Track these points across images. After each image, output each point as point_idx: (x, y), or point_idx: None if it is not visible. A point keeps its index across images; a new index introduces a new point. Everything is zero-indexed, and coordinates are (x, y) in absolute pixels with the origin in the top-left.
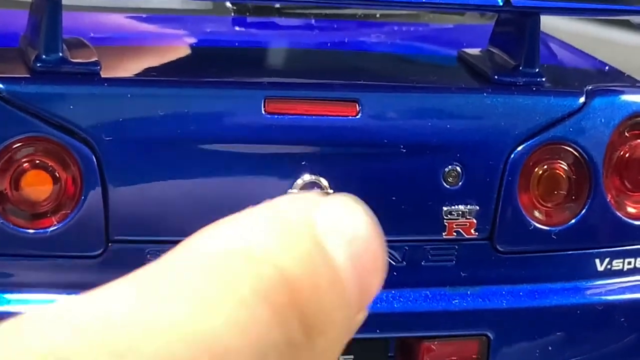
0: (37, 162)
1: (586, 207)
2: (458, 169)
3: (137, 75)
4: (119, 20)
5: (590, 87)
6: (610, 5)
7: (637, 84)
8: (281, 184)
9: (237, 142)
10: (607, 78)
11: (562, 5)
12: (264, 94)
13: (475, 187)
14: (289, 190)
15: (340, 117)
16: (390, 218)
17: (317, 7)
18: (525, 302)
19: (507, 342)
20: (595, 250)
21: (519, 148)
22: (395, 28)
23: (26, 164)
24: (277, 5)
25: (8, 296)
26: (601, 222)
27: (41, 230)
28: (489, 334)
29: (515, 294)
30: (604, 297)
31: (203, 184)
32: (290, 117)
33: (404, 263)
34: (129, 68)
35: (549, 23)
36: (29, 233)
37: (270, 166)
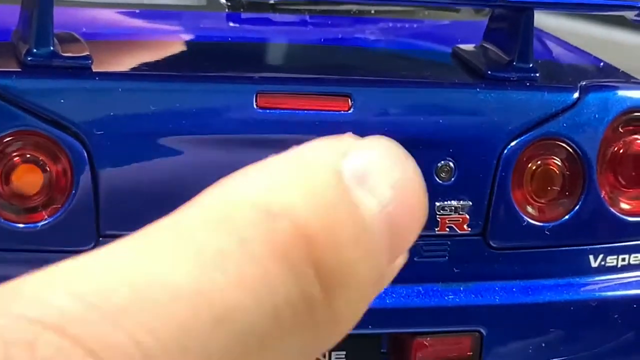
0: (28, 156)
1: (580, 203)
2: (451, 164)
3: (128, 69)
4: (112, 15)
5: (584, 83)
6: (603, 0)
7: (632, 80)
8: None
9: (229, 137)
10: (601, 74)
11: (555, 1)
12: (256, 89)
13: (468, 183)
14: None
15: (333, 112)
16: None
17: (312, 3)
18: (518, 298)
19: (500, 339)
20: (589, 247)
21: (513, 143)
22: (390, 24)
23: (17, 158)
24: (272, 2)
25: None
26: (595, 218)
27: (31, 225)
28: (482, 330)
29: (508, 290)
30: (597, 294)
31: (194, 178)
32: (283, 111)
33: None
34: (121, 62)
35: (550, 23)
36: (19, 227)
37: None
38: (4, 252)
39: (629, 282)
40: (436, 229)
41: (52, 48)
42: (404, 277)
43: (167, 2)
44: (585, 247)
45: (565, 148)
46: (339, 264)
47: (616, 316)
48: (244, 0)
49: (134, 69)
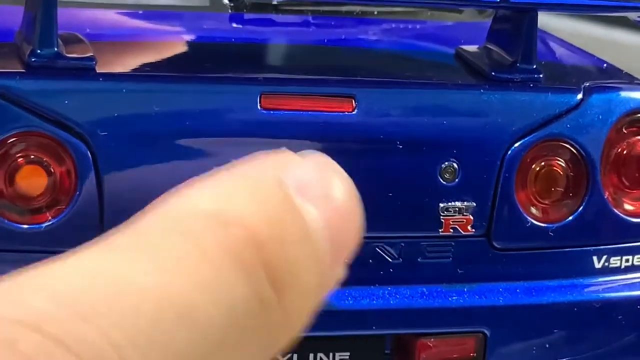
0: (32, 157)
1: (583, 204)
2: (455, 165)
3: (132, 70)
4: (115, 16)
5: (587, 84)
6: (606, 1)
7: (635, 81)
8: None
9: (232, 138)
10: (604, 75)
11: (559, 2)
12: (259, 90)
13: (472, 184)
14: None
15: (337, 113)
16: (386, 214)
17: (315, 4)
18: (522, 299)
19: (503, 340)
20: (593, 248)
21: (516, 145)
22: (393, 25)
23: (21, 159)
24: (275, 2)
25: None
26: (599, 220)
27: (36, 226)
28: (486, 331)
29: (512, 291)
30: (601, 295)
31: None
32: (286, 113)
33: (401, 260)
34: (125, 63)
35: (551, 24)
36: (23, 228)
37: None
38: (8, 253)
39: (632, 283)
40: (440, 230)
41: (56, 49)
42: (408, 278)
43: (170, 3)
44: (589, 248)
45: (569, 149)
46: (285, 265)
47: (620, 317)
48: (247, 1)
49: (137, 70)
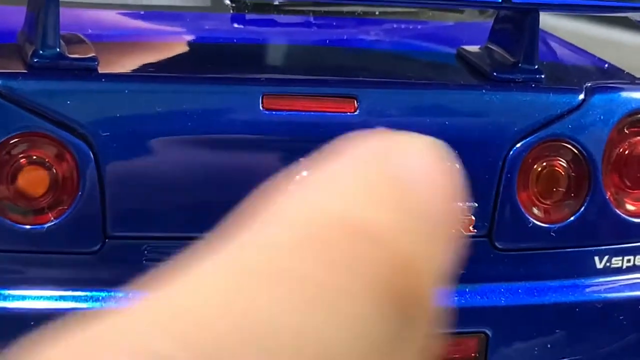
0: (34, 157)
1: (585, 204)
2: (456, 165)
3: (134, 71)
4: (117, 16)
5: (589, 84)
6: (608, 2)
7: (637, 81)
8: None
9: (234, 138)
10: (606, 75)
11: (560, 2)
12: (261, 90)
13: (474, 184)
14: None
15: (339, 114)
16: None
17: (316, 4)
18: (523, 299)
19: (505, 340)
20: (595, 248)
21: (518, 145)
22: (395, 26)
23: (23, 159)
24: (276, 3)
25: (4, 292)
26: (600, 220)
27: (38, 226)
28: (487, 332)
29: (513, 292)
30: (603, 295)
31: (201, 180)
32: (288, 113)
33: None
34: (127, 64)
35: (552, 24)
36: (25, 229)
37: (268, 162)
38: (11, 253)
39: (634, 284)
40: None
41: (58, 49)
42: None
43: (172, 3)
44: (590, 248)
45: (571, 149)
46: (432, 291)
47: (621, 317)
48: (248, 2)
49: (139, 70)
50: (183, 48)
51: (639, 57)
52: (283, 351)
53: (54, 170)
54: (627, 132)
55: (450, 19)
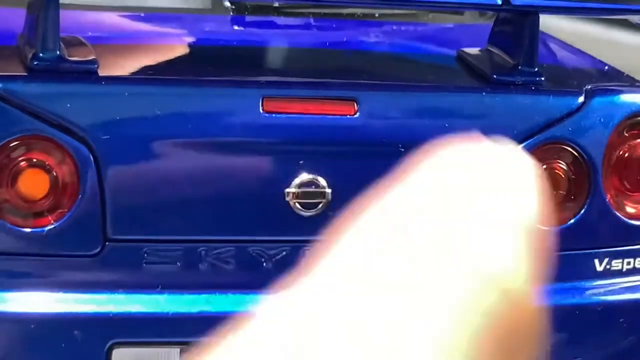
0: (34, 160)
1: (585, 207)
2: None
3: (134, 73)
4: (117, 19)
5: (589, 87)
6: (608, 4)
7: (637, 84)
8: (279, 182)
9: (235, 141)
10: (606, 78)
11: (560, 5)
12: (262, 93)
13: None
14: (286, 190)
15: (339, 116)
16: None
17: (316, 6)
18: None
19: None
20: (595, 251)
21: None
22: (394, 27)
23: (23, 162)
24: (276, 5)
25: (5, 295)
26: (600, 222)
27: (38, 229)
28: None
29: None
30: (603, 298)
31: (200, 182)
32: (289, 116)
33: None
34: (127, 67)
35: (553, 24)
36: (25, 232)
37: (268, 165)
38: (11, 256)
39: (634, 286)
40: None
41: (58, 52)
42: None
43: (172, 5)
44: (590, 250)
45: (571, 152)
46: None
47: (621, 320)
48: (248, 4)
49: (140, 73)
50: (183, 50)
51: (637, 56)
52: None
53: (54, 173)
54: (627, 134)
55: (450, 20)
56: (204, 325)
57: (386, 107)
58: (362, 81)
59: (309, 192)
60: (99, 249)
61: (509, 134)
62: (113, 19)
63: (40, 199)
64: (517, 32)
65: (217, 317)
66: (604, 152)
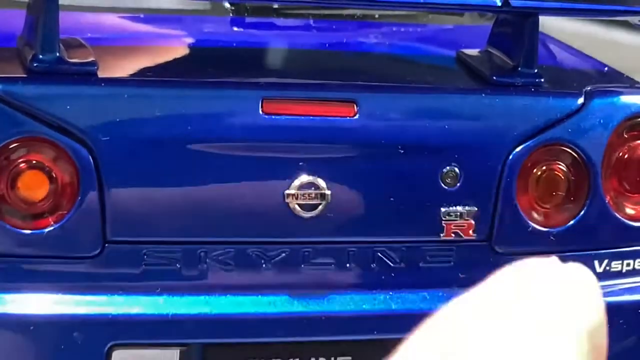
0: (34, 162)
1: (585, 208)
2: (456, 169)
3: (134, 75)
4: (117, 20)
5: (589, 88)
6: (608, 5)
7: (636, 85)
8: (278, 184)
9: (234, 143)
10: (605, 79)
11: (560, 6)
12: (261, 95)
13: (474, 188)
14: (286, 192)
15: (338, 118)
16: (388, 219)
17: (316, 7)
18: None
19: None
20: (594, 252)
21: (518, 149)
22: (394, 29)
23: (23, 164)
24: (276, 6)
25: (4, 297)
26: (600, 224)
27: (38, 231)
28: None
29: None
30: (602, 299)
31: (200, 184)
32: (288, 117)
33: (402, 264)
34: (126, 68)
35: (550, 24)
36: (25, 233)
37: (267, 167)
38: (10, 258)
39: (634, 287)
40: (442, 235)
41: (58, 54)
42: (409, 282)
43: (171, 7)
44: (590, 252)
45: (570, 153)
46: None
47: (621, 321)
48: (247, 5)
49: (139, 74)
50: (183, 52)
51: (636, 56)
52: None
53: (54, 175)
54: (626, 136)
55: (449, 21)
56: (204, 326)
57: (386, 108)
58: (361, 83)
59: (309, 193)
60: (98, 251)
61: (509, 135)
62: (112, 20)
63: (40, 201)
64: (516, 33)
65: (217, 318)
66: (603, 154)
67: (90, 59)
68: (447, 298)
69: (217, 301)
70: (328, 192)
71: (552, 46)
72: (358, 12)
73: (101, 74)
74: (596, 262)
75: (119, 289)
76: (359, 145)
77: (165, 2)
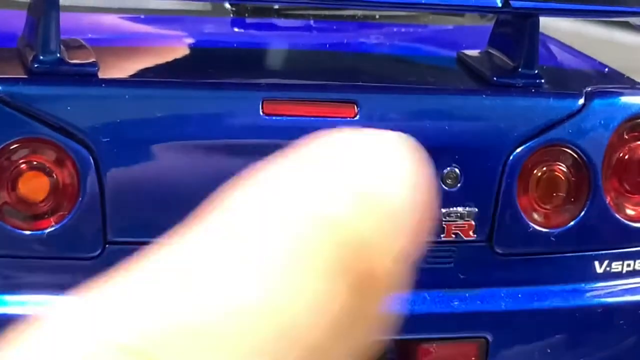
0: (35, 163)
1: (585, 209)
2: (457, 170)
3: (134, 76)
4: (117, 21)
5: (589, 89)
6: (608, 6)
7: (637, 86)
8: None
9: (235, 144)
10: (606, 80)
11: (561, 7)
12: (262, 96)
13: (474, 189)
14: None
15: (339, 119)
16: None
17: (316, 8)
18: (524, 304)
19: (505, 345)
20: (595, 253)
21: (518, 150)
22: (394, 29)
23: (23, 165)
24: (276, 7)
25: (4, 298)
26: (600, 224)
27: (38, 232)
28: (488, 337)
29: (514, 296)
30: (603, 300)
31: (201, 185)
32: (289, 118)
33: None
34: (127, 69)
35: (553, 24)
36: (26, 234)
37: None
38: (11, 259)
39: (634, 288)
40: (442, 236)
41: (58, 55)
42: (409, 283)
43: (172, 7)
44: (590, 253)
45: (571, 154)
46: (387, 272)
47: (621, 322)
48: (248, 6)
49: (139, 75)
50: (183, 52)
51: (636, 56)
52: (244, 330)
53: (55, 176)
54: (627, 136)
55: (450, 22)
56: None
57: (386, 109)
58: (362, 84)
59: None
60: (99, 252)
61: (509, 136)
62: (113, 21)
63: (41, 202)
64: (517, 34)
65: None
66: (604, 154)
67: (91, 59)
68: (448, 299)
69: None
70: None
71: (552, 47)
72: (359, 12)
73: (102, 75)
74: (596, 263)
75: None
76: None
77: (166, 3)
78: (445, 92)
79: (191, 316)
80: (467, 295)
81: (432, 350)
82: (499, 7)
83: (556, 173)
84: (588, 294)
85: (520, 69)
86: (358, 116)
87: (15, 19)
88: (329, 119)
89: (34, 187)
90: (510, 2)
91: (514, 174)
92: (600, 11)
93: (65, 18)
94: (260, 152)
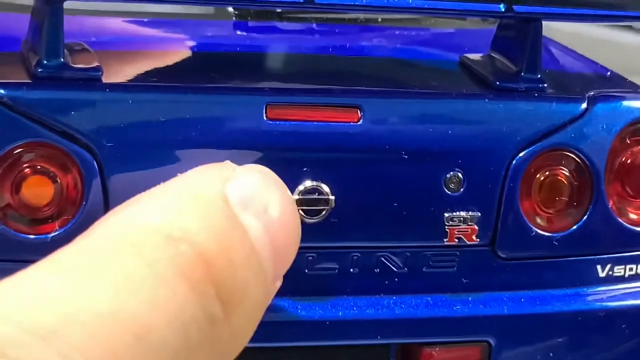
0: (39, 167)
1: (588, 213)
2: (459, 175)
3: (138, 80)
4: (121, 24)
5: (592, 93)
6: (611, 11)
7: (639, 90)
8: None
9: (238, 148)
10: (609, 84)
11: (564, 11)
12: (265, 100)
13: (477, 194)
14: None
15: (342, 124)
16: (391, 224)
17: (319, 11)
18: (526, 308)
19: (508, 349)
20: (597, 257)
21: (521, 154)
22: (397, 33)
23: (27, 169)
24: (279, 10)
25: None
26: (603, 229)
27: (42, 236)
28: (490, 341)
29: (516, 300)
30: (605, 304)
31: None
32: (292, 123)
33: (405, 269)
34: (131, 73)
35: (552, 25)
36: (29, 239)
37: None
38: (15, 263)
39: (636, 292)
40: (445, 240)
41: (62, 59)
42: (412, 287)
43: (174, 11)
44: (593, 257)
45: (573, 158)
46: (234, 283)
47: (624, 326)
48: (251, 9)
49: (143, 80)
50: (186, 56)
51: (636, 57)
52: (100, 334)
53: (58, 180)
54: (629, 141)
55: (452, 25)
56: None
57: (390, 114)
58: (365, 88)
59: (313, 199)
60: None
61: (512, 140)
62: (116, 25)
63: (45, 206)
64: (520, 38)
65: None
66: (606, 159)
67: (95, 64)
68: (450, 303)
69: None
70: (332, 197)
71: (554, 50)
72: (361, 16)
73: (106, 79)
74: (599, 267)
75: None
76: (363, 151)
77: (169, 7)
78: (448, 97)
79: (43, 320)
80: (469, 299)
81: (435, 354)
82: (502, 12)
83: (559, 177)
84: (590, 298)
85: (523, 73)
86: (362, 121)
87: (19, 22)
88: (332, 123)
89: (37, 191)
90: (514, 7)
91: (517, 178)
92: (603, 16)
93: (68, 21)
94: (264, 156)
